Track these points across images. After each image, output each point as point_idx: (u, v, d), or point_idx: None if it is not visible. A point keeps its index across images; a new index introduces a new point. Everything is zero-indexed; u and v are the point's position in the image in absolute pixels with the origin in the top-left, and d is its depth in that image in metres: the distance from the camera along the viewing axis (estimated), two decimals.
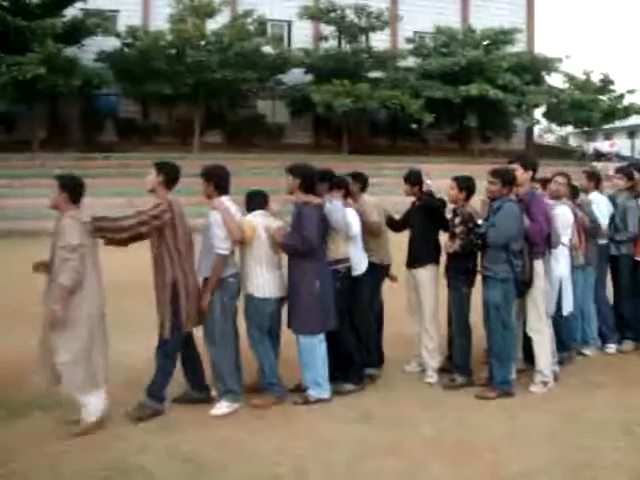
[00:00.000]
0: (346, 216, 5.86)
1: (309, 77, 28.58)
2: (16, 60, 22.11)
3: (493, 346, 5.88)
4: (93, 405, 5.20)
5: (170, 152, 24.43)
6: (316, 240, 5.58)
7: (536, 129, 40.48)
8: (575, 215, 6.58)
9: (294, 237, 5.59)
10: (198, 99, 26.24)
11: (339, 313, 5.84)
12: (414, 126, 29.70)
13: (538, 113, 33.47)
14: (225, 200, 5.58)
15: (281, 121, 30.23)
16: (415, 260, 6.34)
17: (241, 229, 5.54)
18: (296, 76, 28.53)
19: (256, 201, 5.88)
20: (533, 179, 6.19)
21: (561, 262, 6.34)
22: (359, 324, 6.15)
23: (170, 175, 5.47)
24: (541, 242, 5.94)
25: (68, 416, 5.26)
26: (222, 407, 5.55)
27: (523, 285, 5.88)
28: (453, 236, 6.03)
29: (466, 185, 6.12)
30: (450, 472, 4.45)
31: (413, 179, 6.43)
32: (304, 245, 5.55)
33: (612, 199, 7.23)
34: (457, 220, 6.05)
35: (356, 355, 6.01)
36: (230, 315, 5.61)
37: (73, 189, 5.28)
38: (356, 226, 6.06)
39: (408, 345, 6.67)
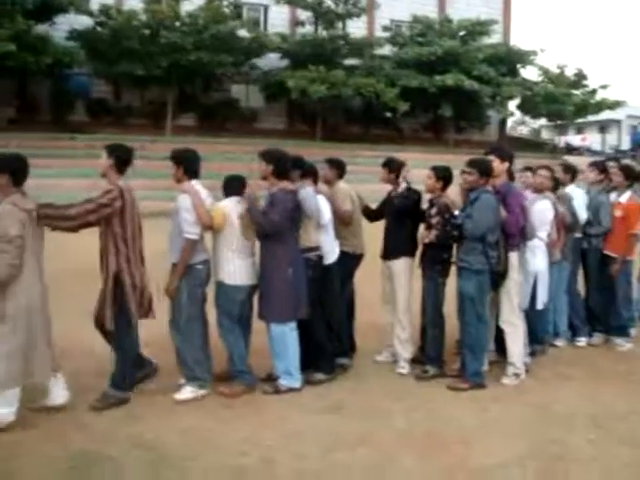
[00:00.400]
0: (318, 203, 5.77)
1: (284, 62, 28.35)
2: None
3: (466, 338, 5.84)
4: (3, 413, 4.83)
5: (142, 134, 24.12)
6: (285, 225, 5.47)
7: (510, 121, 40.75)
8: (556, 210, 6.55)
9: (264, 219, 5.48)
10: (171, 81, 25.87)
11: (311, 302, 5.75)
12: (389, 115, 29.66)
13: (512, 105, 33.65)
14: (195, 184, 5.45)
15: (255, 106, 29.96)
16: (390, 252, 6.25)
17: (210, 215, 5.41)
18: (271, 61, 28.28)
19: (233, 186, 5.74)
20: (510, 170, 6.13)
21: (538, 256, 6.32)
22: (330, 313, 6.06)
23: (121, 158, 5.24)
24: (517, 234, 5.90)
25: (30, 404, 5.07)
26: (186, 392, 5.45)
27: (498, 277, 5.84)
28: (429, 227, 5.96)
29: (443, 175, 6.05)
30: (420, 464, 4.39)
31: (392, 166, 6.33)
32: (272, 228, 5.44)
33: (587, 192, 7.22)
34: (433, 210, 5.98)
35: (327, 344, 5.93)
36: (197, 302, 5.48)
37: (15, 171, 4.88)
38: (327, 214, 5.97)
39: (380, 335, 6.60)
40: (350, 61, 28.50)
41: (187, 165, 5.46)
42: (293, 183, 5.73)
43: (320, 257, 5.88)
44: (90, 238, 5.59)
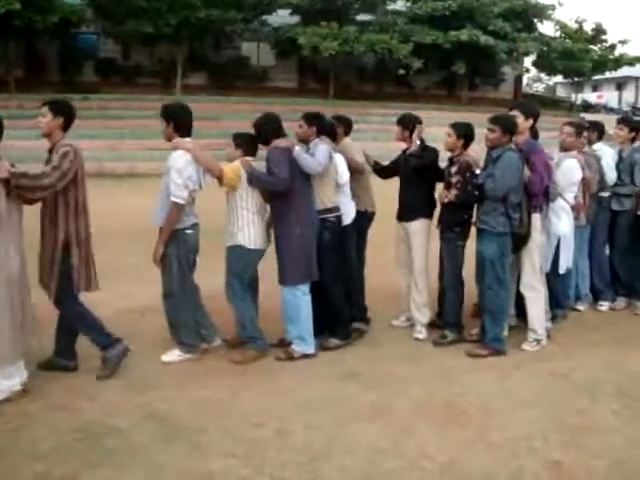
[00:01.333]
0: (327, 158, 5.49)
1: (295, 19, 27.83)
2: None
3: (486, 302, 5.65)
4: (5, 384, 4.72)
5: (151, 94, 23.82)
6: (288, 179, 5.23)
7: (525, 78, 39.99)
8: (582, 170, 6.27)
9: (271, 178, 5.29)
10: (181, 39, 25.48)
11: (329, 265, 5.58)
12: (402, 72, 29.14)
13: (528, 62, 32.96)
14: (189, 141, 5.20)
15: (266, 64, 29.56)
16: (406, 213, 6.03)
17: (219, 165, 5.20)
18: (282, 17, 27.79)
19: (250, 146, 5.50)
20: (534, 128, 5.85)
21: (562, 219, 6.09)
22: (347, 277, 5.89)
23: (70, 116, 4.90)
24: (540, 194, 5.66)
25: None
26: (173, 355, 5.38)
27: (520, 239, 5.62)
28: (449, 186, 5.73)
29: (464, 132, 5.78)
30: (439, 437, 4.22)
31: (406, 123, 6.06)
32: (282, 184, 5.23)
33: (619, 152, 6.90)
34: (454, 169, 5.74)
35: (344, 309, 5.76)
36: (188, 269, 5.30)
37: None
38: (345, 173, 5.75)
39: (396, 299, 6.41)
40: (363, 17, 27.94)
41: (178, 121, 5.17)
42: (307, 141, 5.57)
43: (339, 218, 5.68)
44: (103, 200, 5.39)
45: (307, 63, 28.76)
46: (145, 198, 5.21)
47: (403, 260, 6.17)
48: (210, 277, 5.73)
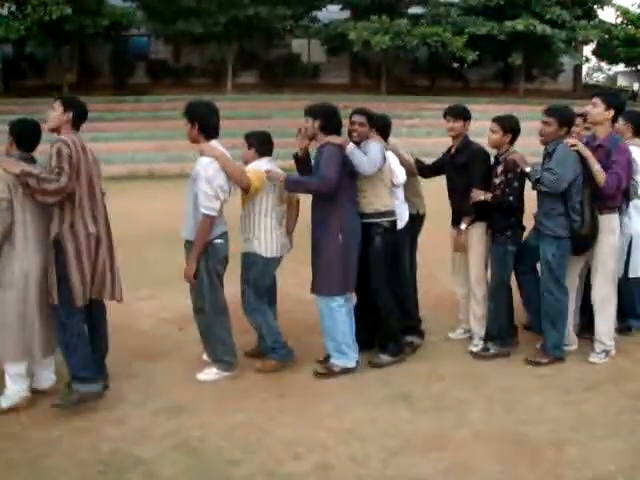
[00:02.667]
0: (381, 158, 5.01)
1: (346, 14, 27.36)
2: (41, 0, 21.32)
3: (545, 308, 5.17)
4: (13, 389, 4.54)
5: (202, 94, 23.67)
6: (335, 179, 4.75)
7: (584, 67, 38.60)
8: None
9: (313, 180, 4.85)
10: (231, 38, 25.29)
11: (379, 274, 5.11)
12: (455, 65, 28.39)
13: (587, 50, 31.75)
14: (214, 145, 4.78)
15: (317, 60, 29.17)
16: (460, 218, 5.45)
17: (246, 175, 4.78)
18: (332, 13, 27.34)
19: (265, 145, 5.09)
20: (614, 121, 5.21)
21: (633, 217, 5.46)
22: (398, 285, 5.39)
23: (80, 113, 4.56)
24: (618, 194, 5.06)
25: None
26: (210, 373, 5.00)
27: (583, 242, 5.07)
28: (494, 187, 5.20)
29: (510, 127, 5.22)
30: (504, 475, 3.67)
31: (456, 112, 5.48)
32: (325, 183, 4.76)
33: None
34: (499, 169, 5.19)
35: (395, 321, 5.25)
36: (218, 281, 4.89)
37: (18, 133, 4.52)
38: (402, 174, 5.25)
39: (453, 308, 5.87)
40: (414, 9, 27.31)
41: (203, 122, 4.75)
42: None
43: (393, 223, 5.18)
44: (153, 201, 5.03)
45: (358, 58, 28.27)
46: None
47: (458, 268, 5.63)
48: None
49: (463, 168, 5.36)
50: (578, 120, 5.68)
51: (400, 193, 5.34)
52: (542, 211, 5.12)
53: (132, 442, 4.10)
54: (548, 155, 5.05)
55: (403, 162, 5.40)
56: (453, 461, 3.81)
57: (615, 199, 5.06)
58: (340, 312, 4.99)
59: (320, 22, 27.37)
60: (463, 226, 5.34)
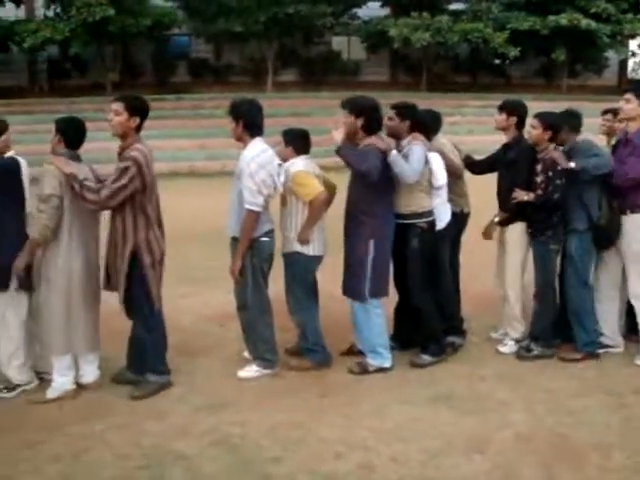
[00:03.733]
0: (423, 165, 4.94)
1: (386, 11, 27.19)
2: (85, 1, 21.64)
3: (570, 304, 5.18)
4: (59, 381, 4.67)
5: (243, 92, 23.78)
6: (376, 175, 4.68)
7: (630, 62, 37.76)
8: None
9: (358, 159, 4.79)
10: (271, 36, 25.31)
11: (418, 274, 5.07)
12: (497, 61, 28.02)
13: (633, 45, 30.99)
14: (259, 142, 4.78)
15: (357, 58, 29.04)
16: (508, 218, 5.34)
17: (317, 186, 4.82)
18: (372, 10, 27.17)
19: (303, 143, 5.07)
20: None
21: None
22: (439, 285, 5.33)
23: (145, 115, 4.58)
24: None
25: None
26: (251, 370, 5.00)
27: (603, 235, 5.07)
28: (534, 185, 5.11)
29: (551, 123, 5.10)
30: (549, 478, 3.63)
31: (502, 105, 5.37)
32: (369, 169, 4.67)
33: None
34: (539, 167, 5.10)
35: (436, 321, 5.20)
36: (263, 279, 4.91)
37: (65, 132, 4.59)
38: (443, 176, 5.16)
39: (495, 308, 5.77)
40: (455, 5, 26.98)
41: (247, 120, 4.74)
42: (400, 137, 5.03)
43: (430, 224, 5.11)
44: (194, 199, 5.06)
45: (398, 55, 28.08)
46: None
47: (501, 269, 5.54)
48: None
49: (511, 165, 5.27)
50: (608, 115, 5.62)
51: (443, 192, 5.25)
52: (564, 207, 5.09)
53: (173, 438, 4.13)
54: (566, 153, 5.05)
55: (449, 164, 5.29)
56: (494, 463, 3.77)
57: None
58: (376, 314, 4.98)
59: (360, 19, 27.24)
60: (497, 219, 5.28)
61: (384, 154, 4.74)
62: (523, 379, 4.87)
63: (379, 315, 5.00)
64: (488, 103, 20.26)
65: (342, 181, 5.26)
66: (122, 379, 4.93)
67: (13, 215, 4.59)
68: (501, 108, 5.34)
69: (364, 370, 5.01)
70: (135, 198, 4.47)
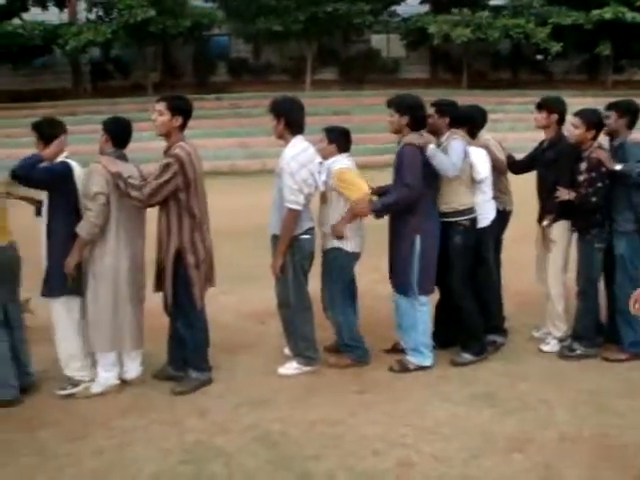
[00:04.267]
0: (462, 160, 4.91)
1: (425, 7, 27.02)
2: (126, 3, 21.95)
3: (618, 303, 5.04)
4: (103, 376, 4.77)
5: (282, 91, 23.87)
6: (420, 186, 4.70)
7: None
8: None
9: (398, 189, 4.78)
10: (310, 35, 25.36)
11: (460, 272, 5.04)
12: (539, 57, 27.63)
13: None
14: (300, 140, 4.79)
15: (396, 55, 28.92)
16: (547, 214, 5.27)
17: (363, 186, 4.83)
18: (412, 7, 27.02)
19: (345, 140, 5.07)
20: None
21: None
22: (481, 283, 5.28)
23: (188, 115, 4.64)
24: None
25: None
26: (290, 368, 5.02)
27: None
28: (577, 184, 5.03)
29: (593, 121, 5.00)
30: None
31: (540, 103, 5.29)
32: (411, 193, 4.71)
33: None
34: (583, 166, 5.01)
35: (477, 320, 5.15)
36: (303, 276, 4.92)
37: (112, 132, 4.68)
38: (484, 169, 5.11)
39: (538, 306, 5.68)
40: (496, 1, 26.65)
41: (289, 118, 4.76)
42: (439, 133, 5.00)
43: (473, 221, 5.07)
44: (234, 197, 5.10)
45: (439, 53, 27.90)
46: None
47: (541, 266, 5.46)
48: None
49: (552, 164, 5.19)
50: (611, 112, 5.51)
51: (487, 189, 5.20)
52: (612, 207, 5.00)
53: (214, 434, 4.17)
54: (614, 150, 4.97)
55: (494, 159, 5.25)
56: (535, 463, 3.72)
57: None
58: (422, 311, 4.96)
59: (399, 16, 27.11)
60: (545, 223, 5.21)
61: (421, 150, 4.72)
62: (566, 379, 4.80)
63: (425, 313, 4.98)
64: (530, 100, 19.97)
65: (385, 179, 5.26)
66: (163, 375, 5.00)
67: (64, 220, 4.63)
68: (540, 106, 5.27)
69: (404, 368, 5.00)
70: (179, 197, 4.52)
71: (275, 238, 4.84)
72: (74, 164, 4.74)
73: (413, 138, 4.77)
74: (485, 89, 24.87)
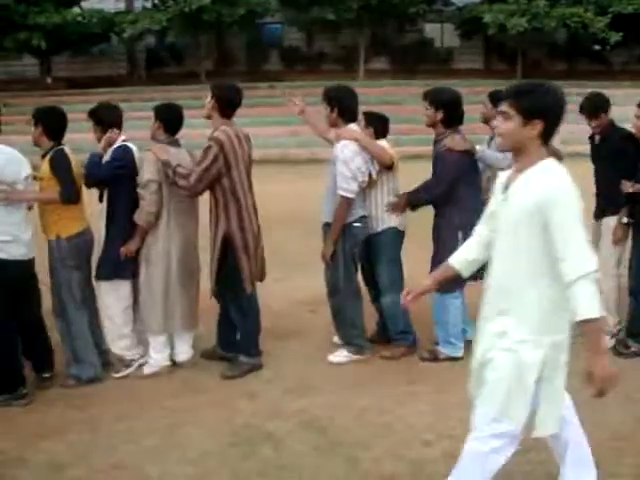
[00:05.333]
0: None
1: None
2: None
3: None
4: (155, 358, 4.88)
5: (334, 80, 23.83)
6: (446, 191, 4.77)
7: None
8: None
9: (424, 195, 4.92)
10: (363, 24, 25.26)
11: None
12: (597, 47, 26.98)
13: None
14: (354, 129, 4.81)
15: (450, 45, 28.60)
16: (604, 210, 5.17)
17: (388, 152, 4.80)
18: None
19: (383, 126, 5.10)
20: None
21: None
22: None
23: (224, 99, 4.68)
24: None
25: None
26: (340, 355, 5.06)
27: None
28: None
29: None
30: None
31: (582, 106, 5.22)
32: (436, 197, 4.84)
33: None
34: None
35: None
36: (353, 265, 4.95)
37: (164, 119, 4.80)
38: None
39: None
40: None
41: (342, 106, 4.79)
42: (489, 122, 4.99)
43: None
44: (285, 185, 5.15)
45: (493, 42, 27.48)
46: (323, 185, 5.00)
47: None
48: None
49: (610, 157, 5.10)
50: None
51: None
52: None
53: (263, 417, 4.23)
54: None
55: (552, 150, 5.17)
56: None
57: None
58: (453, 304, 4.94)
59: (454, 5, 26.83)
60: (625, 220, 5.07)
61: (468, 154, 4.71)
62: (620, 376, 4.70)
63: (456, 306, 4.97)
64: (587, 91, 19.63)
65: None
66: (213, 355, 5.10)
67: (124, 206, 4.73)
68: (582, 108, 5.27)
69: (434, 357, 5.02)
70: (223, 183, 4.59)
71: (327, 226, 4.87)
72: (134, 148, 4.83)
73: (457, 143, 4.73)
74: (541, 79, 24.45)
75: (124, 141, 4.81)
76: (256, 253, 4.81)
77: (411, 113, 18.06)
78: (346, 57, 27.18)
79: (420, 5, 24.87)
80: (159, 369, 4.88)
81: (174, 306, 4.80)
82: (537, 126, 2.71)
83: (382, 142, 5.05)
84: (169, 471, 3.70)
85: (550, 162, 2.78)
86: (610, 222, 5.14)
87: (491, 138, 5.23)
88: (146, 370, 4.88)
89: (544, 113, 2.71)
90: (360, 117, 5.08)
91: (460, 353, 4.99)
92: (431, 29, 28.80)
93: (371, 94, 21.23)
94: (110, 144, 4.74)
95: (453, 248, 4.78)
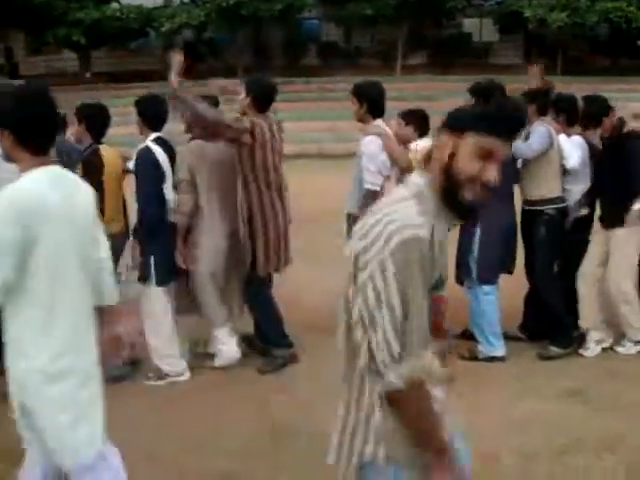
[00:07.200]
0: (543, 143, 4.83)
1: None
2: None
3: None
4: (225, 350, 4.88)
5: (372, 75, 23.75)
6: None
7: None
8: None
9: None
10: (401, 19, 25.11)
11: (544, 263, 4.94)
12: None
13: None
14: (380, 124, 4.79)
15: (489, 40, 28.30)
16: (614, 219, 4.94)
17: (408, 156, 4.76)
18: None
19: (424, 123, 5.04)
20: None
21: None
22: (570, 275, 5.13)
23: (260, 95, 4.71)
24: None
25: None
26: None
27: None
28: None
29: None
30: None
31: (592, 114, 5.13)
32: None
33: None
34: None
35: (563, 312, 5.03)
36: None
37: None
38: (574, 157, 4.96)
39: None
40: None
41: (370, 102, 4.78)
42: (529, 121, 4.90)
43: (560, 210, 4.95)
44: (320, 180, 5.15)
45: (533, 37, 27.11)
46: None
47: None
48: None
49: (617, 162, 5.00)
50: None
51: (582, 177, 5.06)
52: None
53: (298, 412, 4.23)
54: None
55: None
56: (626, 464, 3.60)
57: None
58: (487, 300, 4.88)
59: (493, 0, 26.53)
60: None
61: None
62: None
63: (490, 302, 4.91)
64: (630, 87, 19.26)
65: None
66: (252, 345, 5.20)
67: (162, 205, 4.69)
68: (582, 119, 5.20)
69: (474, 357, 4.97)
70: (243, 161, 4.61)
71: (349, 217, 4.85)
72: (157, 149, 4.62)
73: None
74: (581, 75, 24.07)
75: (156, 139, 4.68)
76: (278, 243, 4.81)
77: (447, 108, 17.86)
78: (383, 52, 27.06)
79: (459, 0, 24.66)
80: (230, 361, 4.88)
81: (232, 292, 4.91)
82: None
83: (424, 140, 5.00)
84: (204, 464, 3.73)
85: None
86: (619, 232, 4.94)
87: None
88: (217, 362, 4.91)
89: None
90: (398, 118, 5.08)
91: (500, 352, 4.95)
92: (470, 24, 28.54)
93: (408, 89, 21.14)
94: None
95: (471, 244, 4.80)
